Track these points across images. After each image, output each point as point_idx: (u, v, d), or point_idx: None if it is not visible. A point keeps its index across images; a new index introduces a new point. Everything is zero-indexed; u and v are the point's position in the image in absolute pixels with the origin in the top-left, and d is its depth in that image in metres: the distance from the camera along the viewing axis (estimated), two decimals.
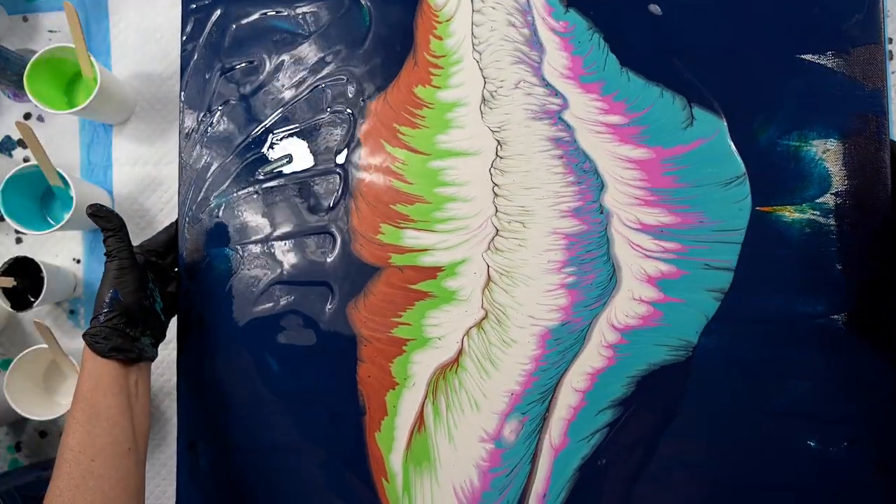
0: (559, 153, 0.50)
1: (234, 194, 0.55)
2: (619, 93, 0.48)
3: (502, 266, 0.50)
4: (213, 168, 0.56)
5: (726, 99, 0.46)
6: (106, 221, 0.52)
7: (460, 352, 0.50)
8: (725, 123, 0.46)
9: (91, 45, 0.69)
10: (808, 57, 0.45)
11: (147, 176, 0.69)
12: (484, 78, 0.51)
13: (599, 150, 0.48)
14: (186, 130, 0.57)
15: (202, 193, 0.56)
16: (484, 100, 0.51)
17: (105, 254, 0.52)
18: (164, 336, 0.55)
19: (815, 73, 0.45)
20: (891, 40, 0.67)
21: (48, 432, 0.70)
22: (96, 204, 0.52)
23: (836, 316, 0.45)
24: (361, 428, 0.51)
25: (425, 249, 0.51)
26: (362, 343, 0.51)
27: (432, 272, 0.51)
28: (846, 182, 0.45)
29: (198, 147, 0.57)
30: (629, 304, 0.47)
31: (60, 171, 0.62)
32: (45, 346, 0.64)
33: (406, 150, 0.52)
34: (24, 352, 0.65)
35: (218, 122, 0.57)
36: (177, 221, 0.58)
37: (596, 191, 0.49)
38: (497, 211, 0.50)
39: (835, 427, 0.45)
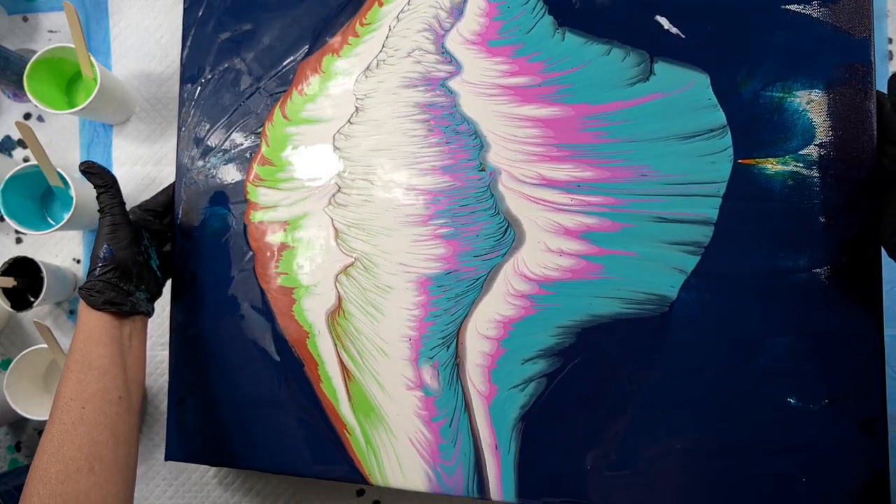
0: (425, 117, 0.57)
1: (229, 153, 0.63)
2: (539, 54, 0.54)
3: (348, 219, 0.59)
4: (209, 129, 0.64)
5: (710, 52, 0.50)
6: (98, 178, 0.56)
7: (340, 298, 0.59)
8: (704, 76, 0.50)
9: (91, 45, 0.76)
10: (793, 7, 0.49)
11: (147, 176, 0.74)
12: (383, 46, 0.59)
13: (486, 111, 0.55)
14: (185, 93, 0.65)
15: (198, 154, 0.64)
16: (368, 68, 0.60)
17: (98, 210, 0.57)
18: (160, 293, 0.61)
19: (800, 23, 0.49)
20: (891, 40, 0.71)
21: None
22: (88, 161, 0.57)
23: (818, 270, 0.48)
24: (307, 380, 0.59)
25: (273, 206, 0.61)
26: (268, 295, 0.61)
27: (281, 226, 0.61)
28: (830, 133, 0.48)
29: (195, 109, 0.65)
30: (543, 255, 0.53)
31: (60, 171, 0.68)
32: (45, 346, 0.69)
33: (280, 114, 0.62)
34: (24, 352, 0.69)
35: (216, 84, 0.64)
36: (171, 186, 0.64)
37: (473, 150, 0.55)
38: (341, 170, 0.59)
39: (816, 384, 0.48)
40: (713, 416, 0.49)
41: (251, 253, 0.61)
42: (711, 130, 0.49)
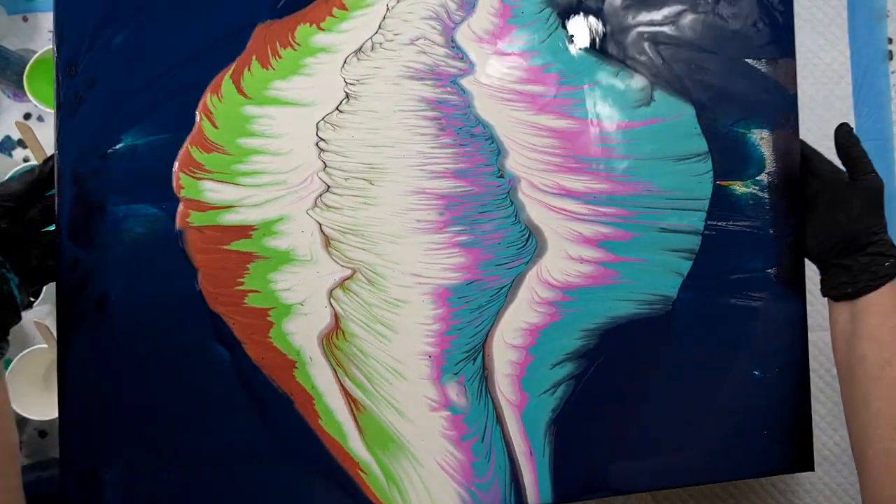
0: (435, 115, 0.53)
1: (158, 136, 0.50)
2: (553, 66, 0.55)
3: (341, 224, 0.52)
4: (118, 96, 0.51)
5: (695, 88, 0.58)
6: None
7: (336, 317, 0.52)
8: (691, 108, 0.58)
9: None
10: (751, 61, 0.59)
11: None
12: (379, 27, 0.53)
13: (502, 116, 0.54)
14: (72, 40, 0.51)
15: (101, 129, 0.50)
16: (360, 50, 0.53)
17: None
18: (17, 319, 0.47)
19: (755, 74, 0.59)
20: (890, 40, 0.77)
21: (48, 432, 0.77)
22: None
23: (769, 270, 0.59)
24: (300, 417, 0.51)
25: (231, 206, 0.51)
26: (228, 322, 0.51)
27: (243, 231, 0.51)
28: (774, 164, 0.59)
29: (91, 65, 0.50)
30: (565, 262, 0.55)
31: None
32: (45, 346, 0.69)
33: (234, 87, 0.52)
34: (24, 352, 0.69)
35: (126, 35, 0.51)
36: (46, 164, 0.49)
37: (490, 155, 0.54)
38: (326, 166, 0.52)
39: (770, 357, 0.59)
40: (703, 391, 0.58)
41: (195, 268, 0.50)
42: (698, 155, 0.57)
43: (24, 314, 0.60)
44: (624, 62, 0.56)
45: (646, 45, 0.57)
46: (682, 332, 0.57)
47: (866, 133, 0.77)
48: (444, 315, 0.53)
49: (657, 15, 0.58)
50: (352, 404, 0.52)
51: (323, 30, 0.52)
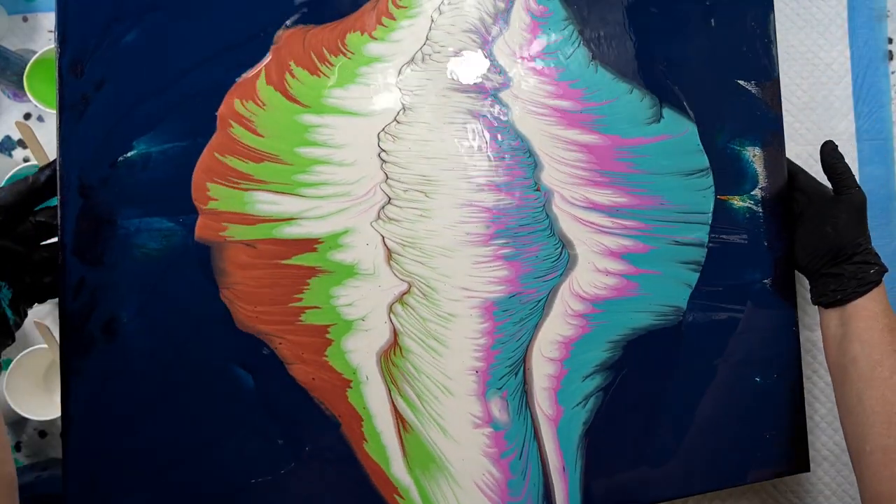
0: (479, 127, 0.54)
1: (174, 143, 0.48)
2: (578, 81, 0.57)
3: (402, 236, 0.51)
4: (129, 100, 0.47)
5: (697, 106, 0.61)
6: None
7: (395, 332, 0.51)
8: (694, 125, 0.61)
9: None
10: (742, 82, 0.63)
11: None
12: (427, 38, 0.54)
13: (537, 130, 0.56)
14: (77, 39, 0.47)
15: (110, 135, 0.47)
16: (413, 60, 0.53)
17: None
18: (10, 340, 0.44)
19: (748, 95, 0.64)
20: (890, 40, 0.78)
21: (48, 432, 0.76)
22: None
23: (765, 281, 0.63)
24: (346, 442, 0.50)
25: (293, 218, 0.49)
26: (273, 342, 0.49)
27: (307, 244, 0.49)
28: (766, 180, 0.64)
29: (98, 65, 0.47)
30: (593, 275, 0.57)
31: None
32: (45, 346, 0.68)
33: (281, 93, 0.50)
34: (24, 352, 0.69)
35: (137, 33, 0.47)
36: (41, 173, 0.45)
37: (528, 168, 0.55)
38: (388, 178, 0.51)
39: (768, 365, 0.63)
40: (712, 397, 0.61)
41: (226, 285, 0.47)
42: (701, 170, 0.61)
43: None
44: (634, 80, 0.59)
45: (651, 63, 0.60)
46: (691, 339, 0.60)
47: (866, 133, 0.77)
48: (490, 329, 0.53)
49: (659, 35, 0.61)
50: (400, 425, 0.51)
51: (375, 39, 0.52)
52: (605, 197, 0.57)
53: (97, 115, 0.46)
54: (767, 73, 0.64)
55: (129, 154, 0.47)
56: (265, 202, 0.49)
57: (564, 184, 0.56)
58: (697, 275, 0.60)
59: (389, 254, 0.51)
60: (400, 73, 0.52)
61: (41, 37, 0.78)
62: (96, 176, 0.46)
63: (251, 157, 0.49)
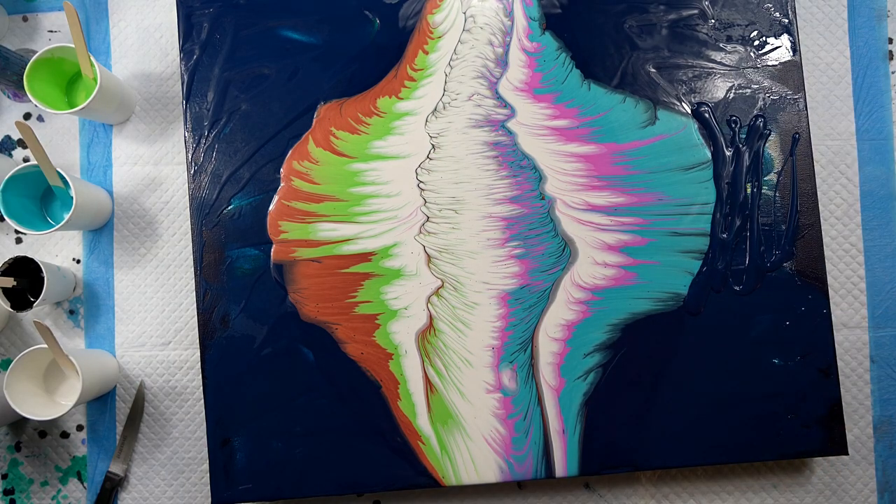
0: (494, 154, 0.73)
1: (253, 193, 0.73)
2: (573, 101, 0.74)
3: (438, 245, 0.72)
4: (227, 172, 0.73)
5: (696, 101, 0.71)
6: None
7: (431, 317, 0.72)
8: (692, 122, 0.72)
9: (91, 45, 0.84)
10: (750, 70, 0.73)
11: (147, 176, 0.81)
12: (444, 90, 0.74)
13: (540, 149, 0.73)
14: (196, 137, 0.73)
15: (217, 196, 0.73)
16: (435, 110, 0.73)
17: None
18: None
19: (759, 78, 0.72)
20: (890, 40, 0.82)
21: (48, 432, 0.80)
22: None
23: (786, 264, 0.71)
24: (384, 399, 0.71)
25: (348, 239, 0.72)
26: (330, 328, 0.72)
27: (364, 257, 0.72)
28: (782, 164, 0.72)
29: (209, 152, 0.73)
30: (593, 268, 0.72)
31: (60, 171, 0.74)
32: (45, 346, 0.72)
33: (329, 152, 0.73)
34: (24, 352, 0.73)
35: (230, 127, 0.73)
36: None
37: (534, 182, 0.73)
38: (426, 202, 0.72)
39: (790, 346, 0.71)
40: (721, 379, 0.70)
41: (286, 293, 0.70)
42: (701, 163, 0.72)
43: (23, 314, 0.79)
44: (626, 90, 0.72)
45: (647, 70, 0.70)
46: (693, 324, 0.70)
47: (866, 133, 0.80)
48: (505, 314, 0.72)
49: (657, 40, 0.70)
50: (428, 388, 0.71)
51: (401, 98, 0.74)
52: (602, 199, 0.72)
53: (210, 184, 0.73)
54: (785, 52, 0.71)
55: (229, 207, 0.72)
56: (326, 230, 0.72)
57: (565, 191, 0.72)
58: (699, 262, 0.71)
59: (429, 258, 0.72)
60: (427, 121, 0.73)
61: (41, 37, 0.84)
62: (211, 223, 0.72)
63: (312, 199, 0.73)
